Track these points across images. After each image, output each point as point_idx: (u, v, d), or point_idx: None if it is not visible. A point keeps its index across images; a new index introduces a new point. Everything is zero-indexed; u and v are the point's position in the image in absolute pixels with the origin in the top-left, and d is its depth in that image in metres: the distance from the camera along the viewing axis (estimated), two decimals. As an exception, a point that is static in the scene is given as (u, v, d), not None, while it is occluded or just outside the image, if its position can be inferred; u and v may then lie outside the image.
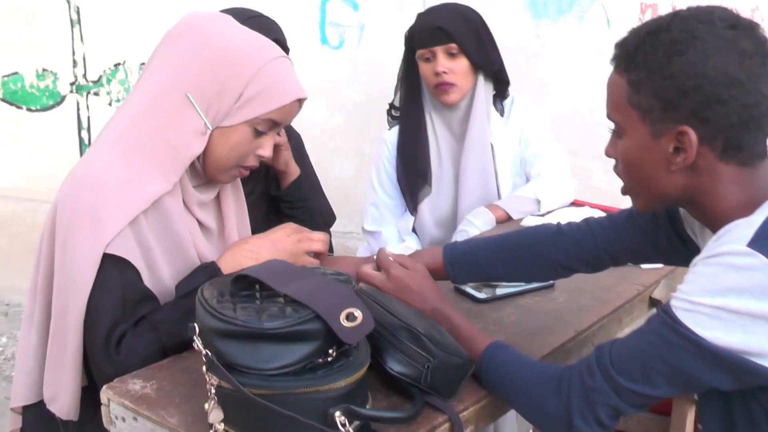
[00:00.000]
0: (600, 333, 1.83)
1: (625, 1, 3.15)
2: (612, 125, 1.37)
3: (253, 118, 1.63)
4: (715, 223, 1.30)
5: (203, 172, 1.69)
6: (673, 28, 1.24)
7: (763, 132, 1.26)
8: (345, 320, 1.30)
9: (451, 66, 2.47)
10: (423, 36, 2.48)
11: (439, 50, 2.46)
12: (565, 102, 3.29)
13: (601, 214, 2.43)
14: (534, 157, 2.60)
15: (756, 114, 1.22)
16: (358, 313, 1.32)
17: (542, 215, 2.48)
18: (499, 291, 1.92)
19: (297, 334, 1.28)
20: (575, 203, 2.58)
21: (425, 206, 2.65)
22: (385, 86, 2.86)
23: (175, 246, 1.68)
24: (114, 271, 1.58)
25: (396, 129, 2.67)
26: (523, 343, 1.65)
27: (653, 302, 2.07)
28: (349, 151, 3.88)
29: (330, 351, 1.32)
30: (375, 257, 1.75)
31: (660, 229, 1.54)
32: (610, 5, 3.17)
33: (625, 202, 1.45)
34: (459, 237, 2.42)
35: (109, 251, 1.55)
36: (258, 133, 1.66)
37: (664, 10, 3.09)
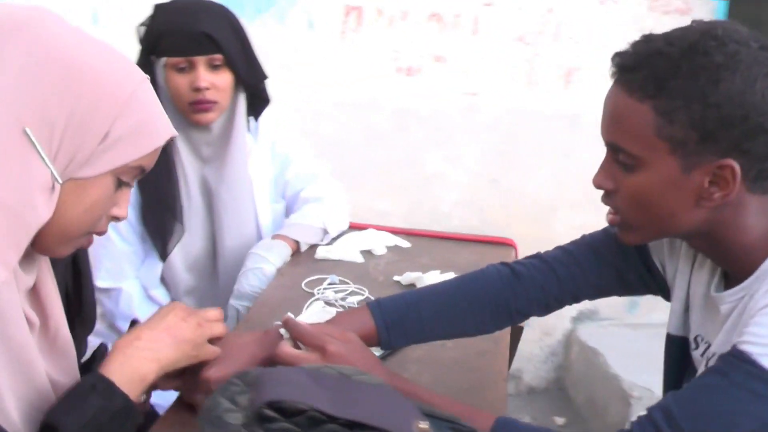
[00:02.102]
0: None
1: (327, 3, 2.96)
2: (613, 153, 1.21)
3: (121, 165, 1.13)
4: (730, 255, 1.22)
5: (32, 242, 1.14)
6: (712, 51, 1.10)
7: None
8: (421, 438, 0.99)
9: (213, 80, 2.03)
10: (180, 41, 1.98)
11: (201, 61, 1.99)
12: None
13: (389, 236, 2.27)
14: (301, 177, 2.28)
15: None
16: (425, 425, 1.01)
17: (329, 244, 2.20)
18: (388, 345, 1.63)
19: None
20: (351, 226, 2.34)
21: (174, 249, 2.15)
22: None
23: (15, 359, 1.13)
24: None
25: None
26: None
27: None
28: None
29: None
30: (282, 332, 1.37)
31: (629, 261, 1.41)
32: (311, 7, 2.96)
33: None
34: (251, 276, 2.01)
35: None
36: (118, 186, 1.17)
37: (369, 12, 2.98)
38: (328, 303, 1.82)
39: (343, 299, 1.85)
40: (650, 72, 1.12)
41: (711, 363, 1.24)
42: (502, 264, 1.47)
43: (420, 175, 3.15)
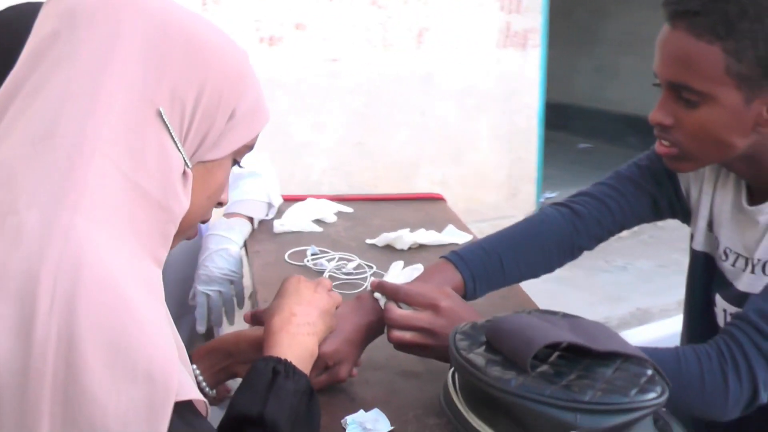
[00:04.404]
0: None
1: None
2: (673, 92, 1.33)
3: (243, 144, 1.08)
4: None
5: None
6: None
7: None
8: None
9: None
10: None
11: None
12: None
13: (330, 203, 2.25)
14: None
15: None
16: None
17: (276, 218, 2.15)
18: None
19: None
20: (284, 198, 2.29)
21: None
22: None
23: (184, 363, 1.05)
24: (181, 428, 0.92)
25: None
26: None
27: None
28: None
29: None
30: (376, 296, 1.36)
31: (662, 189, 1.55)
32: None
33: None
34: (217, 259, 1.91)
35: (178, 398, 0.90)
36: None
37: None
38: (330, 274, 1.81)
39: (338, 268, 1.84)
40: (719, 16, 1.24)
41: (758, 269, 1.41)
42: (559, 204, 1.56)
43: (288, 145, 3.13)
